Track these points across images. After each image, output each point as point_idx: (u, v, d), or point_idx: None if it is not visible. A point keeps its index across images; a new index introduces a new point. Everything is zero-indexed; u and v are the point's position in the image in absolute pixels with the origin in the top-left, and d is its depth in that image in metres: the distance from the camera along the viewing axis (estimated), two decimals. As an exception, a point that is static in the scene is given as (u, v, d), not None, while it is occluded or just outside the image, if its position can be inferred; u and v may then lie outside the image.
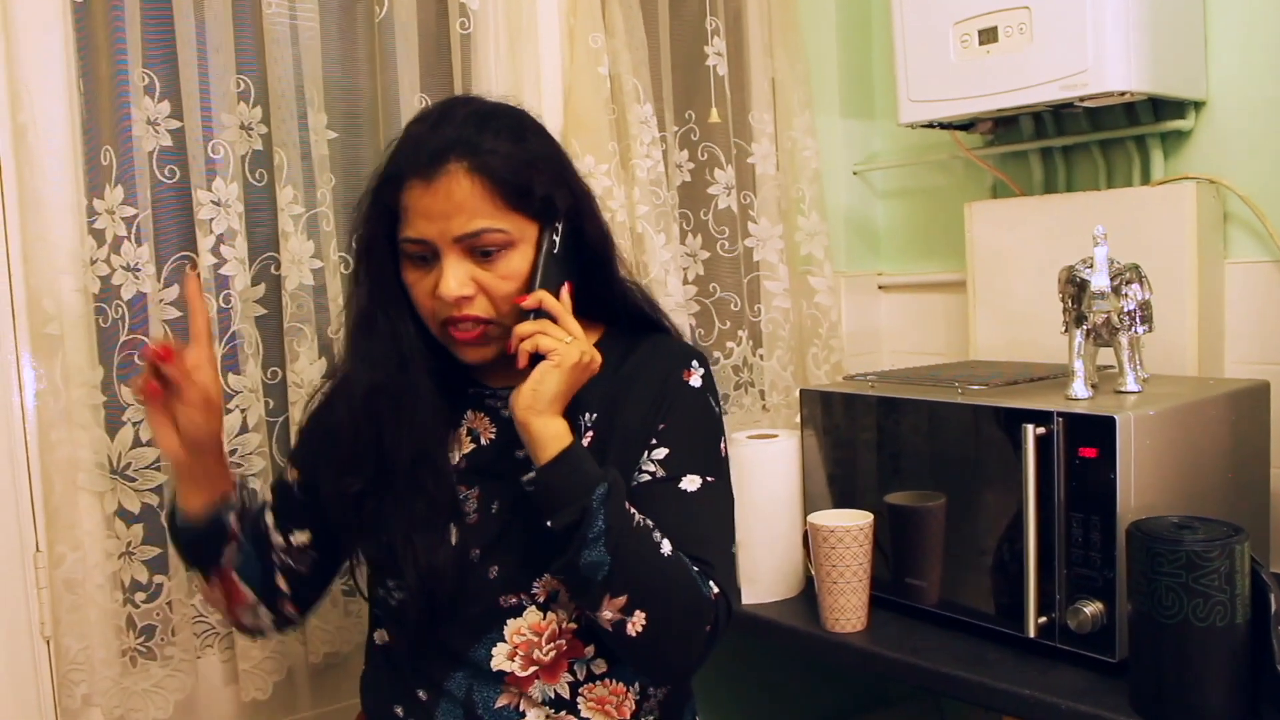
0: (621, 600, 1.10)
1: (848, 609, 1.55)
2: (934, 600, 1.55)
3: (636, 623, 1.11)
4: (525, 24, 1.84)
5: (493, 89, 1.80)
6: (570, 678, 1.21)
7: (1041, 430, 1.37)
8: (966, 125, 1.98)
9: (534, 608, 1.20)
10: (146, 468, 1.50)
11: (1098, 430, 1.33)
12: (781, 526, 1.70)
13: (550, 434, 1.12)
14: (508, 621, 1.20)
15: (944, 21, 1.80)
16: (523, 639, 1.20)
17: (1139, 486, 1.33)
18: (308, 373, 1.62)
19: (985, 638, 1.47)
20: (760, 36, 2.13)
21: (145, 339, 1.48)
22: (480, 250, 1.14)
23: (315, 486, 1.27)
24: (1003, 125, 1.99)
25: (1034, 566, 1.38)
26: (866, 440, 1.66)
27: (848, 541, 1.52)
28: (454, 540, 1.21)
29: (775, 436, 1.75)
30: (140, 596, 1.51)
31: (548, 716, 1.20)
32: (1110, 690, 1.29)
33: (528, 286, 1.17)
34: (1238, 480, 1.52)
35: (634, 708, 1.24)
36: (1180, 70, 1.72)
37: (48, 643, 1.47)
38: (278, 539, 1.28)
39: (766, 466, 1.71)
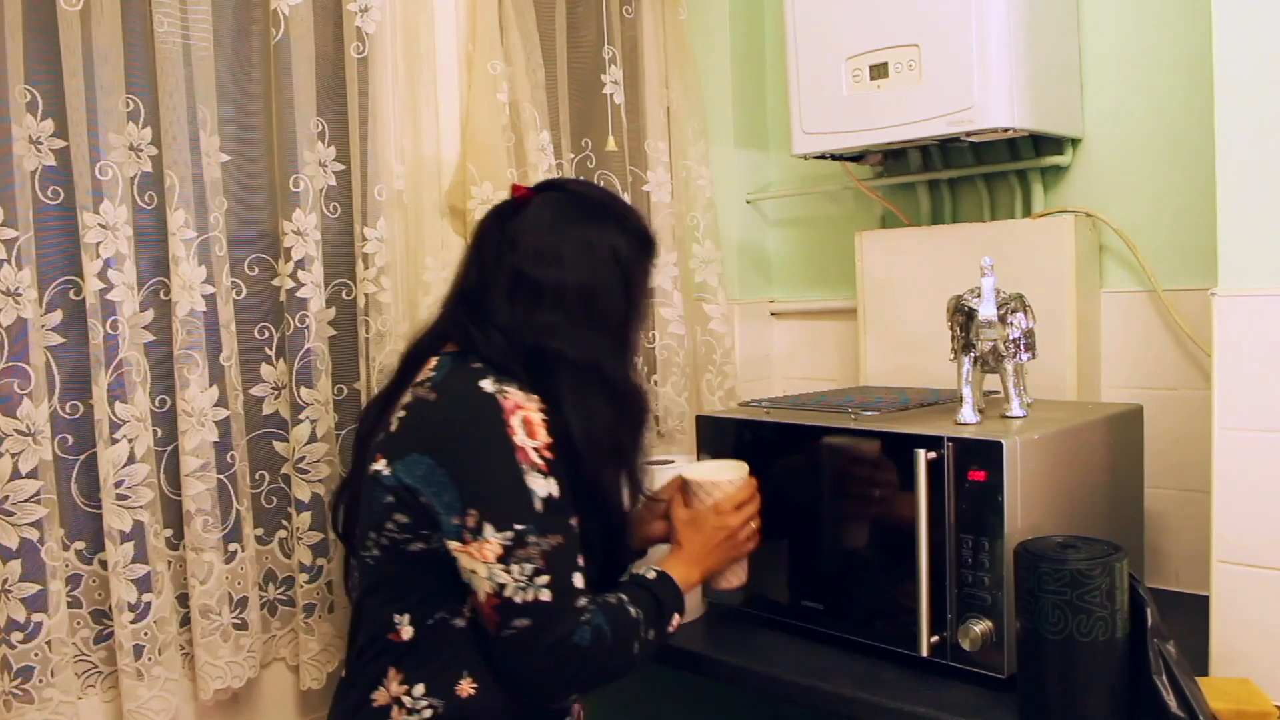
0: None
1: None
2: (829, 622, 1.58)
3: None
4: (424, 50, 1.83)
5: (390, 114, 1.79)
6: None
7: (933, 455, 1.42)
8: (857, 157, 2.04)
9: None
10: (25, 501, 1.43)
11: (986, 454, 1.37)
12: (681, 551, 1.70)
13: None
14: None
15: (837, 57, 1.85)
16: None
17: (1025, 508, 1.38)
18: (198, 401, 1.57)
19: (880, 657, 1.50)
20: (656, 67, 2.16)
21: (26, 366, 1.42)
22: None
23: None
24: (892, 158, 2.05)
25: (926, 587, 1.42)
26: (762, 465, 1.68)
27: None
28: None
29: (672, 462, 1.77)
30: (17, 636, 1.44)
31: None
32: (1000, 705, 1.33)
33: None
34: (1115, 500, 1.59)
35: None
36: (1058, 109, 1.81)
37: (-84, 686, 1.39)
38: None
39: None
